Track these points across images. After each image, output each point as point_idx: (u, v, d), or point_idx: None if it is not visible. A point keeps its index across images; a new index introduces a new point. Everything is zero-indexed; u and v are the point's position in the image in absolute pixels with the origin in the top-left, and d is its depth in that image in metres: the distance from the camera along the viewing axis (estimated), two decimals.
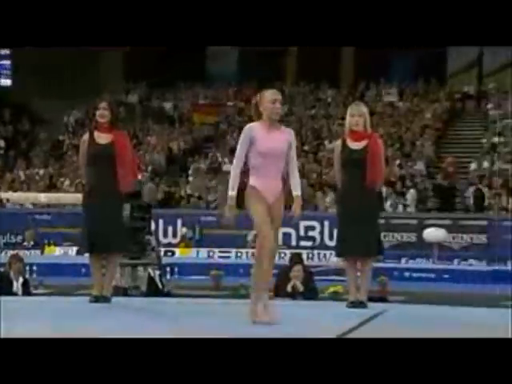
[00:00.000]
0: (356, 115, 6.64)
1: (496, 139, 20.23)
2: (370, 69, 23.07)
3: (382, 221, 14.84)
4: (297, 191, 5.44)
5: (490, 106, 21.89)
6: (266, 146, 5.28)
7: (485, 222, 17.07)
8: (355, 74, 24.14)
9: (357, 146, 6.63)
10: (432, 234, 15.93)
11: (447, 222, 16.89)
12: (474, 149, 20.51)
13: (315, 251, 16.56)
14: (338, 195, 7.17)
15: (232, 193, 5.34)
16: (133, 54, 23.96)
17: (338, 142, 6.83)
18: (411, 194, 18.41)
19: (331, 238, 16.18)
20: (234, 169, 5.41)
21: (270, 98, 5.38)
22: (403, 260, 16.34)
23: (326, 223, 17.03)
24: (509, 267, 15.27)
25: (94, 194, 6.66)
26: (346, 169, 6.65)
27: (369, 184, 6.58)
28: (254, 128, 5.35)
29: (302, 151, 19.71)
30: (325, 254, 16.21)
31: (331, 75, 23.82)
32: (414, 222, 17.24)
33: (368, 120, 6.75)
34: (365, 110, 6.76)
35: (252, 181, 5.36)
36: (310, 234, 17.45)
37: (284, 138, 5.40)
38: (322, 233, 17.36)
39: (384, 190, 17.92)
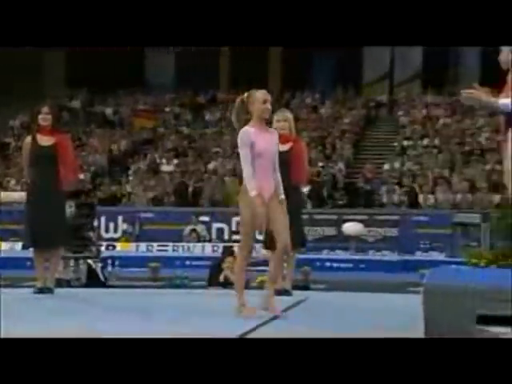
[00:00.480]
0: (281, 120, 6.73)
1: (405, 143, 20.71)
2: (295, 78, 23.29)
3: (306, 216, 15.04)
4: (282, 194, 5.17)
5: (400, 113, 22.41)
6: (262, 147, 5.03)
7: (396, 217, 17.44)
8: (282, 84, 24.31)
9: (282, 148, 6.68)
10: (350, 228, 16.18)
11: (364, 217, 17.19)
12: (387, 151, 20.95)
13: None
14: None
15: (255, 192, 4.96)
16: (75, 61, 23.52)
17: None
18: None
19: (261, 232, 16.20)
20: (248, 172, 4.97)
21: (261, 98, 5.09)
22: (324, 251, 16.54)
23: None
24: (417, 257, 15.64)
25: (37, 192, 6.53)
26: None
27: (294, 182, 6.64)
28: (249, 131, 5.03)
29: (234, 153, 19.72)
30: (255, 247, 16.23)
31: (260, 84, 23.92)
32: (335, 217, 17.45)
33: (292, 125, 6.83)
34: (289, 115, 6.87)
35: None
36: None
37: (274, 139, 5.19)
38: None
39: (308, 188, 18.17)
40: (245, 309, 5.03)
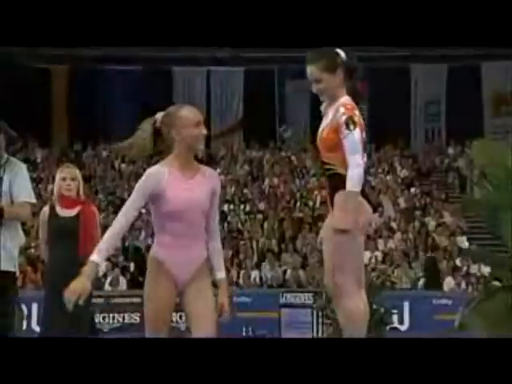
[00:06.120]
0: (68, 178, 6.70)
1: (226, 207, 21.13)
2: (86, 128, 22.95)
3: (100, 300, 14.63)
4: (221, 271, 4.21)
5: (218, 170, 22.96)
6: (182, 199, 3.97)
7: None
8: (70, 133, 23.89)
9: (68, 214, 6.64)
10: None
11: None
12: None
13: None
14: (45, 269, 6.99)
15: (96, 258, 3.98)
16: None
17: (46, 209, 6.81)
18: None
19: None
20: (117, 223, 3.99)
21: (191, 118, 4.03)
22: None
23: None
24: None
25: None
26: (55, 238, 6.63)
27: (82, 256, 6.56)
28: (161, 173, 3.98)
29: None
30: None
31: (42, 134, 23.06)
32: (138, 300, 17.24)
33: (81, 184, 6.82)
34: (78, 172, 6.84)
35: (156, 249, 4.14)
36: None
37: (207, 184, 4.09)
38: None
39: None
40: None
